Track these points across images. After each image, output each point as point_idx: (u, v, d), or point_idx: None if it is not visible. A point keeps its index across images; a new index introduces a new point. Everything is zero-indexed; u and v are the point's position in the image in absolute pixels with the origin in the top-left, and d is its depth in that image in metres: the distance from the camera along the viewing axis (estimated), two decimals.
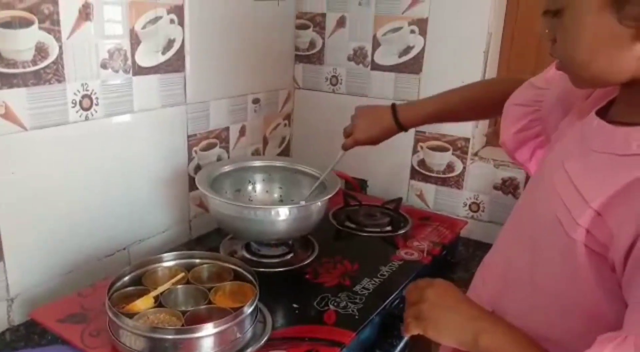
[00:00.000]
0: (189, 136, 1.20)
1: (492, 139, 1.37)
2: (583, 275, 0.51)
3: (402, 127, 0.98)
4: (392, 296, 0.93)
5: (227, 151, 1.32)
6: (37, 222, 0.93)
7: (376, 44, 1.35)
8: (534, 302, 0.58)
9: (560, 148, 0.61)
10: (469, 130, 1.29)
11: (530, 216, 0.62)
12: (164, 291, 0.81)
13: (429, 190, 1.38)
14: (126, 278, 0.84)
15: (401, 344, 0.91)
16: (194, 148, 1.22)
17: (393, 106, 0.98)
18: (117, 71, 1.00)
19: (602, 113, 0.58)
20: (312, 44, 1.45)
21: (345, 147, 1.04)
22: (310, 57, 1.46)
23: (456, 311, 0.59)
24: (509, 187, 1.28)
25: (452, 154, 1.32)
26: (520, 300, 0.59)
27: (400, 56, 1.32)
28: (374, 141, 1.02)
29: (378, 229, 1.19)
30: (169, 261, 0.89)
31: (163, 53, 1.09)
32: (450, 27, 1.24)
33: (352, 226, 1.21)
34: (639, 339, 0.44)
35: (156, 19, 1.05)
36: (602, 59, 0.52)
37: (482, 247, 1.26)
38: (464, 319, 0.58)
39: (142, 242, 1.14)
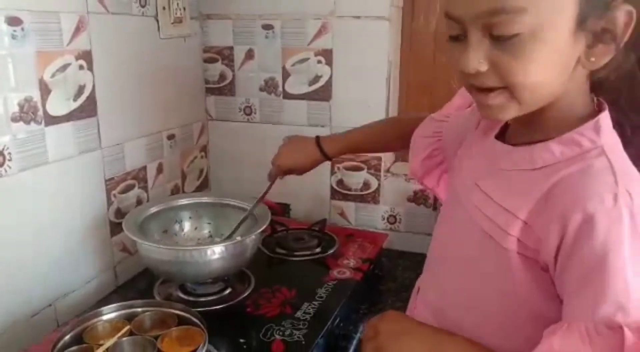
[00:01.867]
0: (106, 180, 1.17)
1: (401, 155, 1.48)
2: (520, 280, 0.57)
3: (326, 155, 1.05)
4: (333, 316, 0.98)
5: (146, 190, 1.30)
6: None
7: (286, 74, 1.40)
8: (476, 317, 0.62)
9: (467, 172, 0.68)
10: None
11: (454, 235, 0.67)
12: (109, 347, 0.80)
13: (350, 207, 1.45)
14: (66, 337, 0.81)
15: None
16: (112, 192, 1.19)
17: (317, 137, 1.06)
18: (28, 123, 0.97)
19: (499, 136, 0.65)
20: (222, 77, 1.47)
21: (271, 176, 1.09)
22: (221, 89, 1.48)
23: (411, 333, 0.62)
24: (420, 199, 1.39)
25: (367, 172, 1.41)
26: (463, 317, 0.64)
27: (310, 85, 1.39)
28: (299, 168, 1.07)
29: (308, 252, 1.24)
30: (108, 314, 0.87)
31: (74, 100, 1.06)
32: (354, 56, 1.33)
33: (283, 251, 1.24)
34: (580, 324, 0.49)
35: (65, 67, 1.03)
36: (552, 80, 0.54)
37: (404, 256, 1.36)
38: (420, 339, 0.61)
39: (67, 296, 1.10)
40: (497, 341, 0.59)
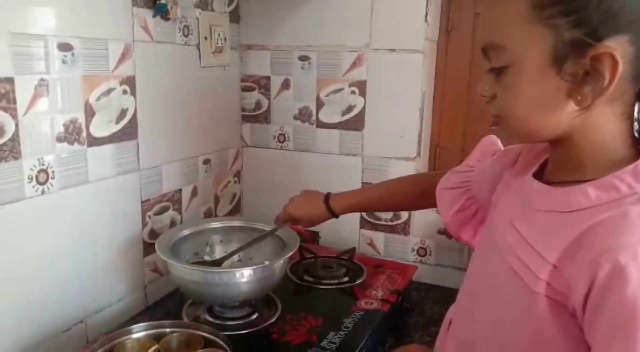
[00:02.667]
0: (142, 202, 1.20)
1: None
2: (547, 324, 0.55)
3: (333, 213, 1.07)
4: (359, 347, 0.97)
5: (180, 213, 1.33)
6: None
7: (320, 104, 1.43)
8: None
9: (503, 210, 0.67)
10: None
11: (487, 274, 0.66)
12: None
13: (379, 238, 1.45)
14: None
15: None
16: (148, 213, 1.22)
17: (327, 194, 1.08)
18: (72, 144, 1.01)
19: (538, 174, 0.65)
20: (258, 105, 1.51)
21: (277, 220, 1.13)
22: (257, 117, 1.52)
23: None
24: None
25: None
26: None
27: (343, 114, 1.41)
28: (304, 221, 1.12)
29: (336, 281, 1.24)
30: (138, 332, 0.89)
31: (117, 122, 1.11)
32: (388, 87, 1.35)
33: (311, 279, 1.24)
34: None
35: (109, 91, 1.08)
36: (538, 114, 0.56)
37: (433, 290, 1.34)
38: None
39: (98, 313, 1.12)
40: None
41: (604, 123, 0.56)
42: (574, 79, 0.54)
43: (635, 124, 0.57)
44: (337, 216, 1.08)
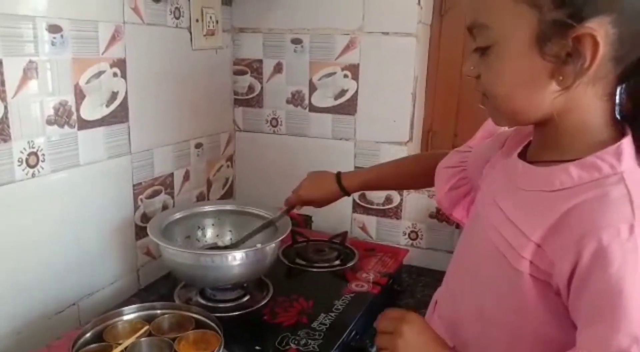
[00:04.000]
0: (134, 185, 1.20)
1: None
2: (531, 302, 0.56)
3: (345, 191, 1.08)
4: (349, 328, 0.98)
5: (172, 197, 1.33)
6: None
7: (312, 88, 1.43)
8: (487, 335, 0.62)
9: (489, 187, 0.68)
10: None
11: (472, 253, 0.68)
12: (128, 346, 0.82)
13: (371, 222, 1.45)
14: (87, 334, 0.83)
15: None
16: (140, 196, 1.23)
17: (338, 173, 1.09)
18: (62, 127, 1.00)
19: (522, 154, 0.65)
20: (250, 89, 1.50)
21: (288, 202, 1.14)
22: (249, 100, 1.51)
23: (427, 351, 0.61)
24: (443, 215, 1.38)
25: None
26: (474, 334, 0.64)
27: (335, 99, 1.41)
28: (317, 202, 1.12)
29: (328, 264, 1.25)
30: (129, 314, 0.89)
31: (107, 105, 1.10)
32: (380, 71, 1.35)
33: (303, 262, 1.25)
34: None
35: (99, 74, 1.07)
36: (521, 94, 0.57)
37: (424, 273, 1.35)
38: None
39: (91, 296, 1.13)
40: None
41: (586, 104, 0.57)
42: (556, 60, 0.54)
43: (617, 105, 0.58)
44: (349, 195, 1.09)
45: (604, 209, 0.52)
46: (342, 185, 1.07)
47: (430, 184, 0.93)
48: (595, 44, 0.52)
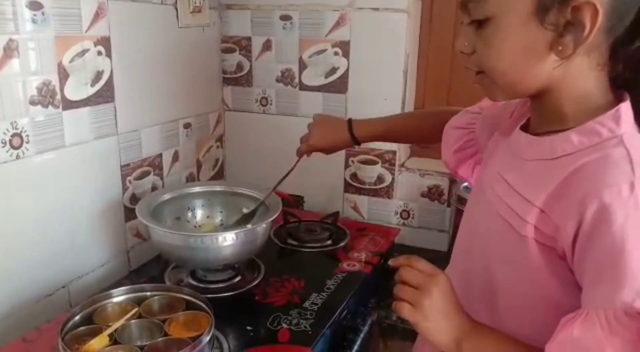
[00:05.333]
0: (122, 166, 1.19)
1: (415, 150, 1.48)
2: (537, 268, 0.58)
3: (356, 140, 1.05)
4: (341, 308, 0.98)
5: (161, 178, 1.32)
6: None
7: (303, 66, 1.40)
8: (496, 304, 0.63)
9: (493, 163, 0.69)
10: (395, 143, 1.37)
11: (478, 228, 0.68)
12: (118, 328, 0.81)
13: (363, 201, 1.45)
14: (77, 317, 0.83)
15: None
16: (128, 178, 1.21)
17: (349, 120, 1.05)
18: (46, 107, 0.98)
19: (524, 128, 0.66)
20: (239, 67, 1.47)
21: (300, 153, 1.09)
22: (238, 79, 1.49)
23: (452, 319, 0.61)
24: (434, 194, 1.38)
25: (382, 166, 1.40)
26: (483, 303, 0.65)
27: (326, 77, 1.39)
28: (328, 149, 1.09)
29: (319, 244, 1.24)
30: (118, 296, 0.88)
31: (92, 85, 1.08)
32: (371, 49, 1.32)
33: (294, 242, 1.25)
34: (599, 312, 0.50)
35: (83, 52, 1.04)
36: (521, 66, 0.57)
37: (416, 252, 1.31)
38: (454, 328, 0.61)
39: (81, 279, 1.12)
40: (514, 327, 0.61)
41: (583, 73, 0.58)
42: (556, 29, 0.54)
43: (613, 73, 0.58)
44: (359, 144, 1.06)
45: (605, 170, 0.53)
46: (353, 134, 1.04)
47: (439, 139, 0.92)
48: (595, 12, 0.52)
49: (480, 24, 0.58)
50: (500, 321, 0.62)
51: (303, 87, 1.42)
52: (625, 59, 0.57)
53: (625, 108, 0.57)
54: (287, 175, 1.10)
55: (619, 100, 0.58)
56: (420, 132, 1.04)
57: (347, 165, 1.43)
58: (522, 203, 0.58)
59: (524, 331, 0.60)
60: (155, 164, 1.29)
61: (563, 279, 0.57)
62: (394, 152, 1.38)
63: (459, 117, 0.89)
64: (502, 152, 0.68)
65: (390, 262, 0.67)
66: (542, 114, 0.63)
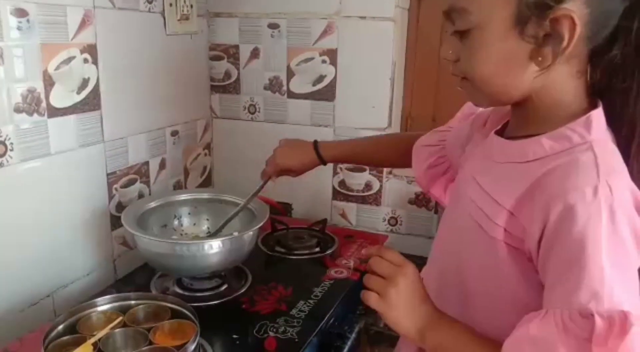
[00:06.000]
0: (108, 174, 1.18)
1: None
2: (506, 269, 0.59)
3: (322, 160, 1.06)
4: (328, 315, 0.98)
5: (148, 186, 1.31)
6: None
7: (290, 74, 1.41)
8: (468, 304, 0.65)
9: (468, 166, 0.70)
10: None
11: (453, 228, 0.69)
12: (102, 337, 0.80)
13: (351, 209, 1.45)
14: (60, 327, 0.82)
15: None
16: (114, 186, 1.20)
17: (315, 142, 1.06)
18: (31, 114, 0.98)
19: (499, 133, 0.67)
20: (227, 75, 1.48)
21: (266, 174, 1.09)
22: (226, 87, 1.49)
23: (417, 309, 0.62)
24: (422, 201, 1.38)
25: (369, 173, 1.41)
26: (456, 303, 0.66)
27: (314, 85, 1.39)
28: (294, 168, 1.08)
29: (307, 251, 1.24)
30: (103, 305, 0.87)
31: (78, 93, 1.07)
32: (359, 57, 1.33)
33: (282, 250, 1.24)
34: (556, 311, 0.51)
35: (69, 60, 1.04)
36: (502, 76, 0.58)
37: None
38: (419, 318, 0.62)
39: (66, 288, 1.10)
40: (486, 326, 0.61)
41: (561, 81, 0.59)
42: (535, 41, 0.55)
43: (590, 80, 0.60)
44: (325, 164, 1.07)
45: (571, 173, 0.54)
46: (319, 153, 1.05)
47: (406, 164, 0.93)
48: (573, 24, 0.53)
49: (463, 33, 0.59)
50: (473, 320, 0.63)
51: (291, 94, 1.42)
52: (603, 66, 0.58)
53: (597, 115, 0.57)
54: (251, 198, 1.09)
55: (592, 107, 0.59)
56: (387, 157, 1.06)
57: (335, 173, 1.44)
58: (492, 205, 0.60)
59: (495, 330, 0.60)
60: (141, 172, 1.28)
61: (531, 281, 0.58)
62: None
63: (428, 136, 0.91)
64: (478, 156, 0.69)
65: (364, 251, 0.69)
66: (520, 119, 0.64)
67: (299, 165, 1.07)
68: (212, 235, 1.12)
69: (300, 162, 1.06)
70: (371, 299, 0.63)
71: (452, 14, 0.60)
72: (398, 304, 0.61)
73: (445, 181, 0.87)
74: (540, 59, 0.56)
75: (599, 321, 0.49)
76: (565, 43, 0.54)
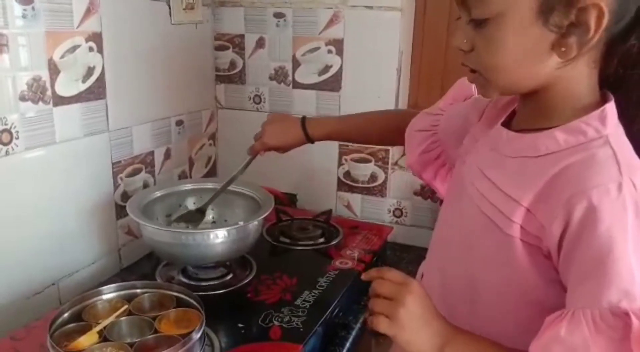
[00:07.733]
0: (113, 163, 1.18)
1: None
2: (522, 267, 0.57)
3: (309, 138, 1.04)
4: (333, 305, 0.98)
5: (153, 175, 1.31)
6: None
7: (296, 64, 1.40)
8: (477, 303, 0.63)
9: (473, 159, 0.68)
10: None
11: (459, 223, 0.67)
12: (107, 325, 0.80)
13: (356, 200, 1.45)
14: (66, 314, 0.82)
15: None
16: (119, 175, 1.20)
17: (303, 118, 1.05)
18: (36, 103, 0.97)
19: (506, 123, 0.66)
20: (232, 65, 1.47)
21: (253, 150, 1.08)
22: (231, 77, 1.48)
23: (431, 326, 0.60)
24: (427, 193, 1.38)
25: (375, 164, 1.40)
26: (461, 295, 0.65)
27: (320, 75, 1.38)
28: (282, 147, 1.07)
29: (312, 242, 1.24)
30: (108, 293, 0.88)
31: (83, 81, 1.07)
32: (365, 46, 1.32)
33: (287, 240, 1.24)
34: (585, 311, 0.50)
35: (74, 48, 1.03)
36: (521, 66, 0.57)
37: (408, 250, 1.35)
38: (434, 335, 0.59)
39: (71, 276, 1.11)
40: (494, 326, 0.60)
41: (579, 72, 0.57)
42: (559, 30, 0.54)
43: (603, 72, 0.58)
44: (313, 142, 1.05)
45: (592, 170, 0.53)
46: (306, 132, 1.04)
47: (396, 142, 0.93)
48: (601, 13, 0.52)
49: (480, 22, 0.57)
50: (480, 319, 0.62)
51: (296, 85, 1.41)
52: (619, 56, 0.57)
53: (610, 108, 0.57)
54: (238, 173, 1.09)
55: (603, 100, 0.58)
56: (377, 135, 1.05)
57: (340, 164, 1.43)
58: (508, 201, 0.58)
59: (505, 329, 0.60)
60: (146, 162, 1.28)
61: (548, 278, 0.57)
62: (387, 151, 1.38)
63: (418, 119, 0.89)
64: (482, 148, 0.67)
65: (363, 276, 0.66)
66: (530, 110, 0.62)
67: (285, 143, 1.06)
68: (199, 210, 1.11)
69: (285, 141, 1.06)
70: (381, 323, 0.60)
71: (468, 1, 0.58)
72: (410, 323, 0.59)
73: (437, 165, 0.87)
74: (563, 49, 0.54)
75: (634, 319, 0.48)
76: (591, 33, 0.52)
